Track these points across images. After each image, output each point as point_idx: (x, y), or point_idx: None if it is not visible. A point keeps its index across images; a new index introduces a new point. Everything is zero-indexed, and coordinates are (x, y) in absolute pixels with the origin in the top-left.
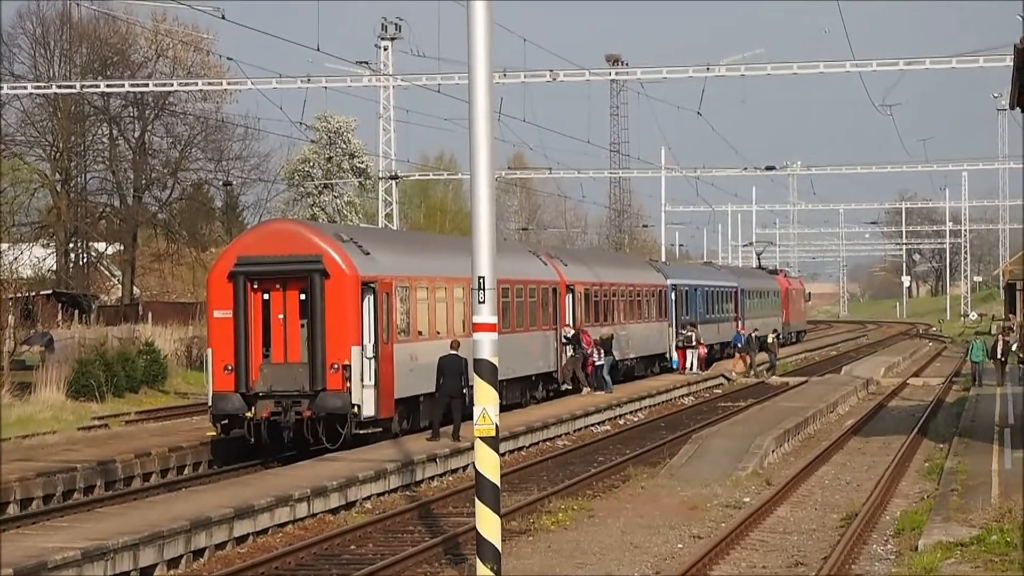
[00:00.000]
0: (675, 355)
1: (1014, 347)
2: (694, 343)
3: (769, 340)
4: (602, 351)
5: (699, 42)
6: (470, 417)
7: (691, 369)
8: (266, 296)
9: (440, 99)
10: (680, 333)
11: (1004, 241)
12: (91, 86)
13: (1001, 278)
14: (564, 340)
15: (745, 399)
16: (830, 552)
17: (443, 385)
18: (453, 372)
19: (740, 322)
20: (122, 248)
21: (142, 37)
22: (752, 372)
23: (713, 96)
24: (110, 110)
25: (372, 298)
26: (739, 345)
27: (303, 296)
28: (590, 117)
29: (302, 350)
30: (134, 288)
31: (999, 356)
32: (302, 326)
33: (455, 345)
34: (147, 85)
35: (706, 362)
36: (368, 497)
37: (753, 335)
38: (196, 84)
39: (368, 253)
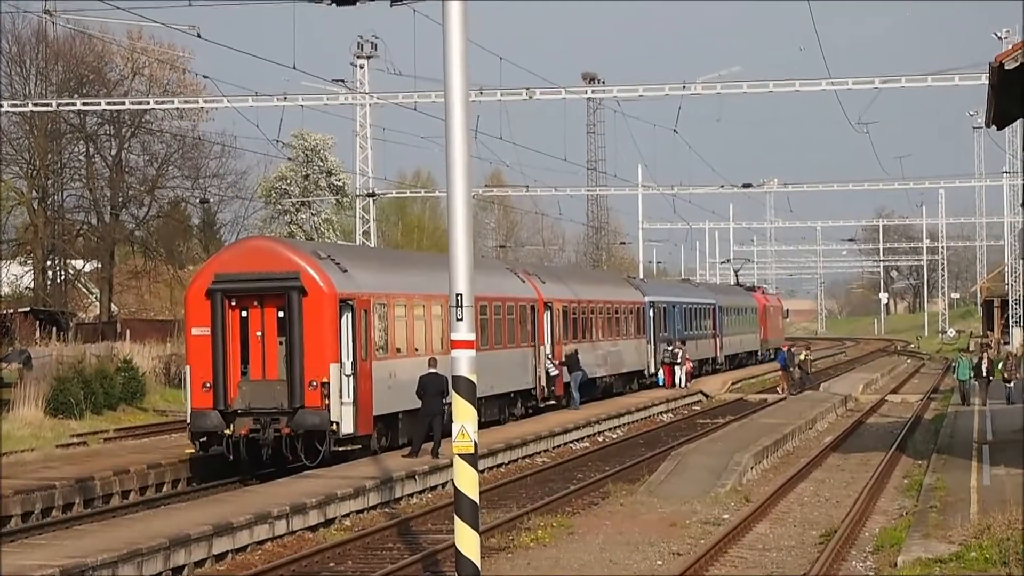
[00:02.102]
0: (661, 372)
1: (1000, 365)
2: (680, 360)
3: (802, 357)
4: (566, 368)
5: (675, 61)
6: (450, 434)
7: (680, 384)
8: (244, 313)
9: (417, 117)
10: (666, 350)
11: (981, 258)
12: (67, 104)
13: (978, 295)
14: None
15: (724, 416)
16: (809, 569)
17: (424, 404)
18: (434, 391)
19: (719, 339)
20: (99, 266)
21: (118, 55)
22: (792, 389)
23: (689, 114)
24: (86, 128)
25: (350, 315)
26: (783, 363)
27: (281, 313)
28: (567, 135)
29: (280, 367)
30: (112, 305)
31: (984, 374)
32: (280, 343)
33: (433, 363)
34: (123, 103)
35: (691, 376)
36: (347, 514)
37: (792, 351)
38: (172, 102)
39: (346, 270)
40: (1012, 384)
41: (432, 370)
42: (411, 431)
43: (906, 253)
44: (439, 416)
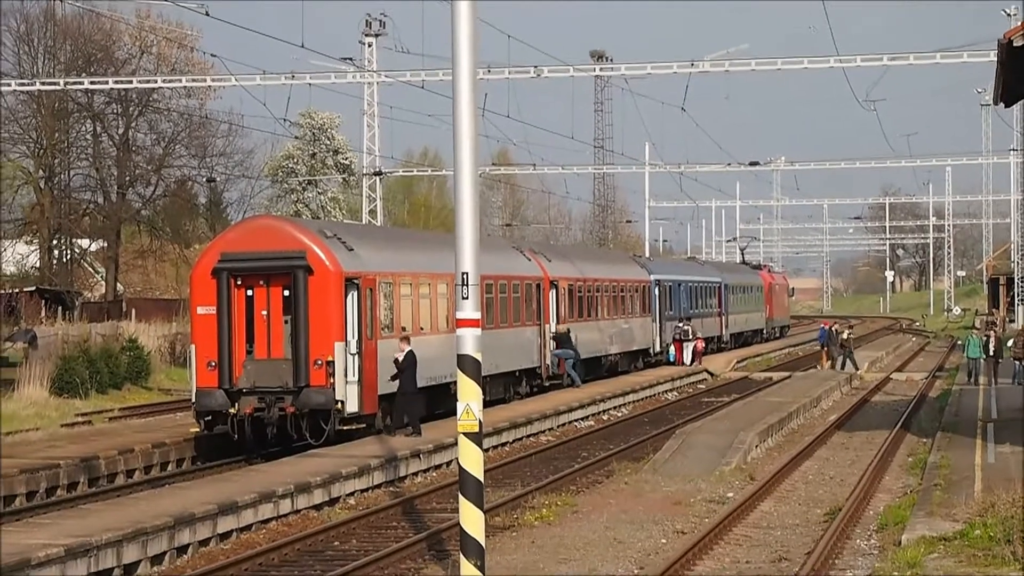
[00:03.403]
0: (672, 348)
1: (1009, 343)
2: (691, 336)
3: (844, 336)
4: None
5: (683, 38)
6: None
7: (689, 362)
8: (250, 292)
9: (424, 95)
10: (677, 327)
11: (987, 236)
12: (75, 83)
13: (984, 273)
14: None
15: (728, 394)
16: (814, 547)
17: (406, 383)
18: (413, 369)
19: (724, 317)
20: (106, 245)
21: (126, 34)
22: (832, 365)
23: (697, 92)
24: (94, 107)
25: (356, 294)
26: (823, 341)
27: (287, 292)
28: (574, 113)
29: (286, 346)
30: (118, 285)
31: (991, 353)
32: (286, 322)
33: (407, 340)
34: (131, 82)
35: (700, 355)
36: (352, 493)
37: (834, 329)
38: (180, 81)
39: (352, 249)
40: (1022, 363)
41: (409, 348)
42: (415, 411)
43: (912, 231)
44: (414, 393)
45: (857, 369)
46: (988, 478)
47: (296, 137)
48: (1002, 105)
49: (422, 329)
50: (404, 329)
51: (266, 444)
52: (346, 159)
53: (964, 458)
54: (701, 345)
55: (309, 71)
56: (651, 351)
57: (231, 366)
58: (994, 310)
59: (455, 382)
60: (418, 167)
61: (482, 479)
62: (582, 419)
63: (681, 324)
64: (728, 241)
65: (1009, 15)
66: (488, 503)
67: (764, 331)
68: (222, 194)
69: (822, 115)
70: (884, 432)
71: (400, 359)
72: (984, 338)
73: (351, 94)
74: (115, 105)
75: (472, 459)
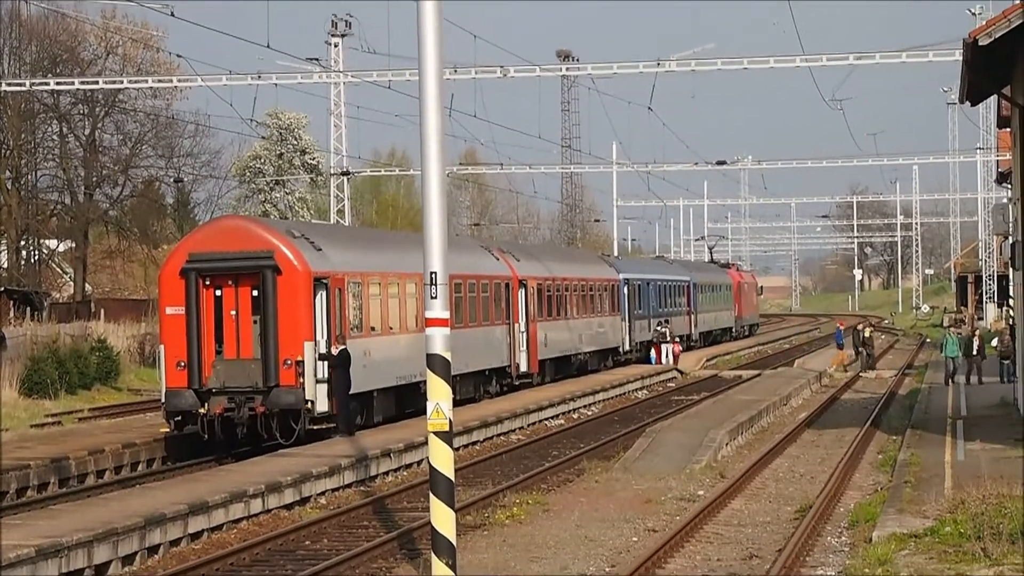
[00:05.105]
0: (652, 351)
1: (993, 342)
2: (668, 338)
3: (867, 335)
4: None
5: (650, 38)
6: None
7: (666, 362)
8: (218, 292)
9: (391, 95)
10: (655, 330)
11: (955, 234)
12: (40, 84)
13: (952, 271)
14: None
15: (698, 392)
16: (784, 544)
17: (343, 379)
18: (347, 365)
19: (693, 316)
20: (73, 245)
21: (92, 35)
22: (847, 368)
23: (664, 92)
24: (60, 107)
25: (325, 294)
26: (840, 342)
27: (255, 292)
28: (541, 113)
29: (255, 346)
30: (86, 285)
31: (974, 352)
32: (255, 322)
33: (343, 340)
34: (97, 82)
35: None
36: (322, 492)
37: (857, 327)
38: (146, 81)
39: (320, 249)
40: (1009, 361)
41: (343, 346)
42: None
43: (880, 229)
44: (347, 392)
45: (874, 368)
46: (958, 475)
47: (263, 137)
48: (968, 104)
49: (391, 328)
50: (373, 329)
51: (236, 444)
52: (313, 159)
53: (934, 455)
54: (678, 349)
55: (275, 71)
56: (620, 350)
57: (200, 366)
58: (963, 308)
59: (425, 381)
60: (385, 167)
61: (453, 478)
62: (552, 418)
63: (659, 327)
64: (696, 240)
65: (975, 15)
66: (459, 502)
67: (733, 329)
68: (189, 194)
69: (789, 114)
70: (854, 430)
71: (335, 354)
72: (958, 335)
73: (318, 94)
74: (81, 106)
75: (443, 458)
